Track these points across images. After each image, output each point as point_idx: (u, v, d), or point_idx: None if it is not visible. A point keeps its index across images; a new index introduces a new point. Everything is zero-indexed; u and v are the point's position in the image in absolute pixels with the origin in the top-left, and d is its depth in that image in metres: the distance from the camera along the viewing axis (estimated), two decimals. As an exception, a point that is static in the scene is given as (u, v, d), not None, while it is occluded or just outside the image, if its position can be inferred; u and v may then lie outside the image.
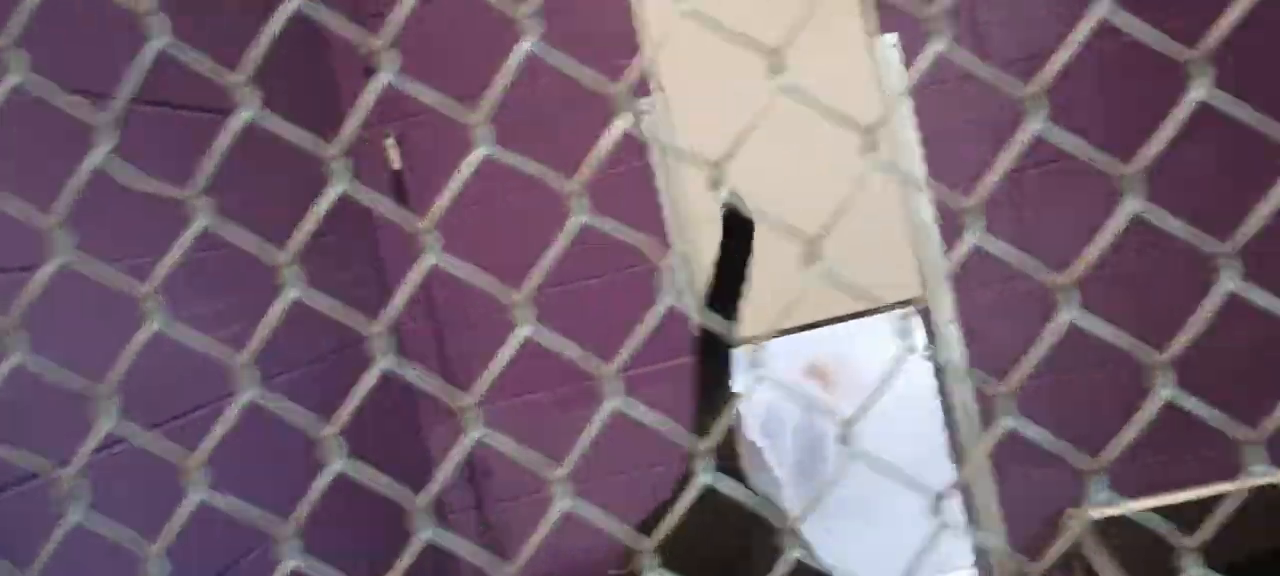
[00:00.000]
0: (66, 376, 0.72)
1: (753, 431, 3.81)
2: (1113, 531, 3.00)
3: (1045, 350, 0.67)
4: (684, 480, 2.00)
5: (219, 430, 0.72)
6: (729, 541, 1.82)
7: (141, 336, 0.70)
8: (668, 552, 0.73)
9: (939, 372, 3.36)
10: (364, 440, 2.13)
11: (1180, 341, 0.63)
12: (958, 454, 3.30)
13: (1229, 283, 0.59)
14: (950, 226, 3.22)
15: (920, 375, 3.38)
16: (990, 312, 3.22)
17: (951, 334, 3.23)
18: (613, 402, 0.70)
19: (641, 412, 0.70)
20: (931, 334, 3.29)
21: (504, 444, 0.70)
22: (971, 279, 3.18)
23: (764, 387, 3.37)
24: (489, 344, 3.29)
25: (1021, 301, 3.15)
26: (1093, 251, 0.64)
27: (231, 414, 0.68)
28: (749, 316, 3.28)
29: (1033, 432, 0.68)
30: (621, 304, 3.20)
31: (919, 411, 3.60)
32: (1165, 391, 0.61)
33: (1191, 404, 0.61)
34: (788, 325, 3.10)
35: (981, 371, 3.24)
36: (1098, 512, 3.10)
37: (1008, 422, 0.67)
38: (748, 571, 1.71)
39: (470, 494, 3.46)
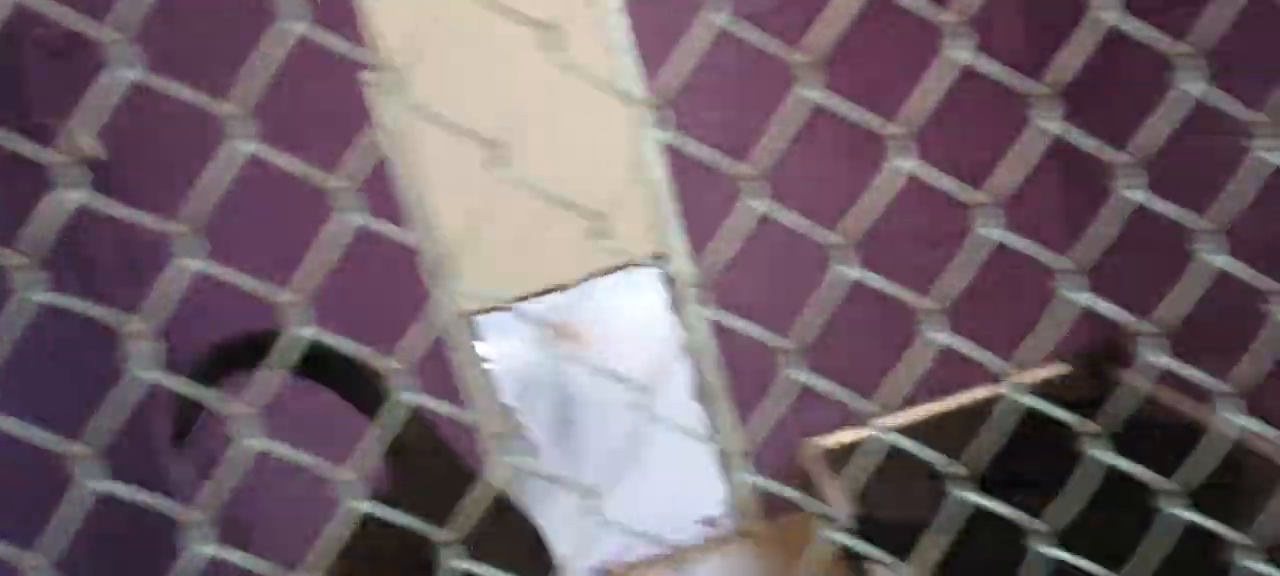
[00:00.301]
0: None
1: (506, 395, 3.80)
2: (843, 458, 3.25)
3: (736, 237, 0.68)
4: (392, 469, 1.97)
5: None
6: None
7: None
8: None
9: (680, 318, 3.49)
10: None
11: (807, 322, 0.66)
12: (702, 394, 3.45)
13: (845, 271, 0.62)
14: (683, 182, 3.32)
15: (668, 325, 3.50)
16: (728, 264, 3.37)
17: (688, 283, 3.36)
18: None
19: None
20: (673, 285, 3.40)
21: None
22: (706, 234, 3.30)
23: (516, 352, 3.38)
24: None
25: (761, 253, 3.32)
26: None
27: None
28: (500, 280, 3.27)
29: (758, 333, 0.70)
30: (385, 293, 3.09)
31: (667, 376, 3.71)
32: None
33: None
34: (531, 288, 3.11)
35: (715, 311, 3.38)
36: (831, 441, 3.34)
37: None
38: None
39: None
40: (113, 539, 2.43)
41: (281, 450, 0.63)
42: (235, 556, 0.68)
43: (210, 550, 0.71)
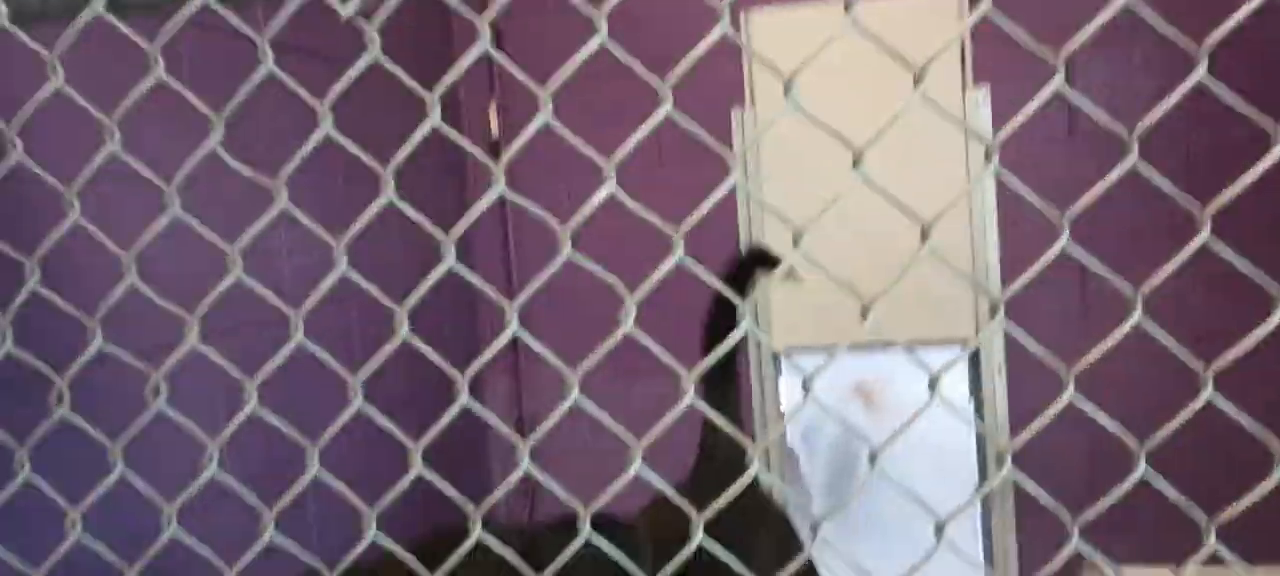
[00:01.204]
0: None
1: (792, 438, 3.92)
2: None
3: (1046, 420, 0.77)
4: (697, 468, 2.15)
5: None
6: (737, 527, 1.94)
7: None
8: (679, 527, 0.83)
9: (979, 416, 3.45)
10: (426, 379, 2.29)
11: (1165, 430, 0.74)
12: (985, 499, 3.40)
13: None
14: (1013, 272, 3.31)
15: (962, 423, 3.47)
16: (1036, 370, 3.30)
17: (995, 381, 3.33)
18: (690, 398, 0.81)
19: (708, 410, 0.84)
20: (977, 379, 3.38)
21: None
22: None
23: (809, 399, 3.47)
24: (559, 318, 3.47)
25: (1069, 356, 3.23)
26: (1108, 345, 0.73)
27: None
28: (805, 328, 3.42)
29: (1031, 489, 0.79)
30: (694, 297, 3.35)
31: (957, 458, 3.68)
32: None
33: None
34: (841, 342, 3.23)
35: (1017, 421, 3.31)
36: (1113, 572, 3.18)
37: (1006, 473, 0.79)
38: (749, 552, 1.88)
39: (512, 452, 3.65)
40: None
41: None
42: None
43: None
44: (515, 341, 3.62)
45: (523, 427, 3.61)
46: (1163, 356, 0.81)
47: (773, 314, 3.50)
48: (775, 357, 3.50)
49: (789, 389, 3.67)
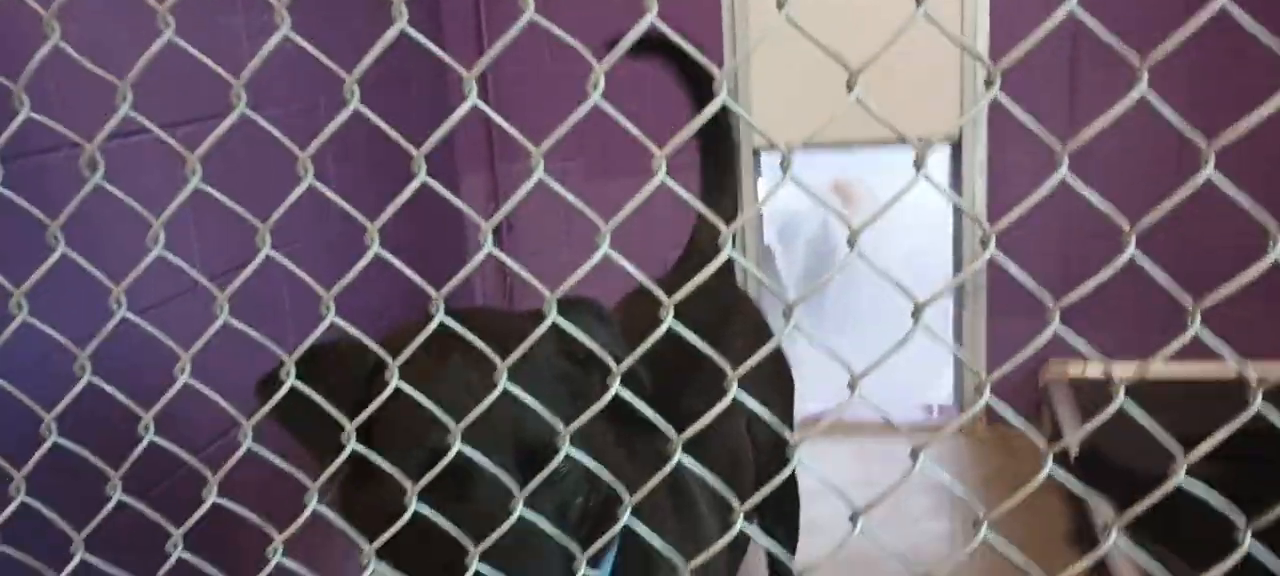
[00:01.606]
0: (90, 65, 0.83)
1: (769, 235, 3.93)
2: (1088, 393, 3.17)
3: (1036, 200, 0.74)
4: (680, 260, 2.15)
5: (221, 129, 0.82)
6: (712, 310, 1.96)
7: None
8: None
9: (956, 214, 3.45)
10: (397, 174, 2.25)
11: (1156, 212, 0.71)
12: (959, 294, 3.44)
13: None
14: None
15: (942, 219, 3.46)
16: (1017, 167, 3.28)
17: (975, 178, 3.30)
18: (659, 178, 0.77)
19: (682, 192, 0.80)
20: (958, 175, 3.36)
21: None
22: (1007, 129, 3.21)
23: (785, 194, 3.47)
24: (534, 104, 3.37)
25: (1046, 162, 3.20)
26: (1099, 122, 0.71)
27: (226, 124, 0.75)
28: (783, 124, 3.35)
29: (1014, 271, 0.77)
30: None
31: (934, 260, 3.70)
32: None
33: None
34: (820, 139, 3.17)
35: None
36: (1075, 370, 3.27)
37: (990, 253, 0.76)
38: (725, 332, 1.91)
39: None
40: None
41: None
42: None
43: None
44: (489, 133, 3.55)
45: (500, 225, 3.59)
46: (1163, 134, 0.78)
47: (753, 110, 3.42)
48: (756, 154, 3.45)
49: (768, 187, 3.64)
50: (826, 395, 2.92)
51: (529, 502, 0.86)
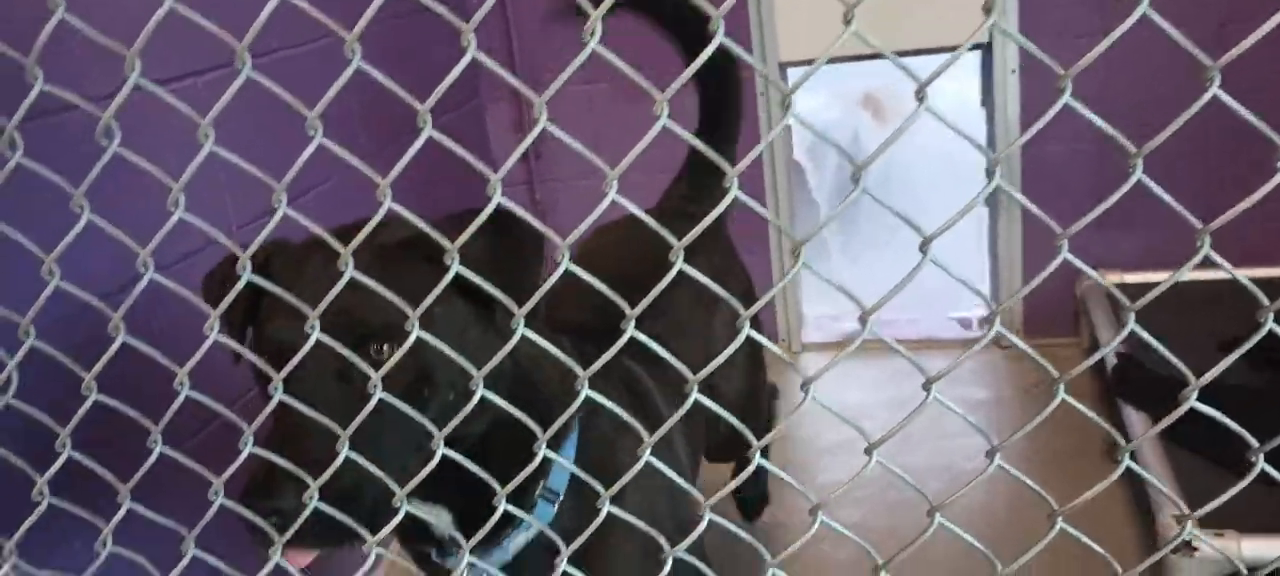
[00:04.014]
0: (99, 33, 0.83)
1: (799, 152, 3.88)
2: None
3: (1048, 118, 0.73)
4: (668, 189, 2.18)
5: (228, 94, 0.83)
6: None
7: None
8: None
9: (990, 121, 3.38)
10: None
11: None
12: (992, 206, 3.39)
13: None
14: None
15: (977, 125, 3.39)
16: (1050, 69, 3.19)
17: (1006, 80, 3.22)
18: (662, 122, 0.78)
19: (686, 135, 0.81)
20: (990, 84, 3.28)
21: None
22: (1047, 32, 3.12)
23: (813, 106, 3.42)
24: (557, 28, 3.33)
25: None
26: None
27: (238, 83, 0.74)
28: (808, 35, 3.29)
29: (1017, 196, 0.76)
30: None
31: (967, 170, 3.63)
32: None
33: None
34: (849, 51, 3.11)
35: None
36: (1114, 278, 3.22)
37: (995, 184, 0.75)
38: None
39: (523, 170, 3.64)
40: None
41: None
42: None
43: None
44: (512, 59, 3.51)
45: (528, 152, 3.58)
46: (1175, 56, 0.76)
47: (778, 23, 3.36)
48: (782, 68, 3.39)
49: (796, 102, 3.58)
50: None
51: (357, 381, 0.98)
